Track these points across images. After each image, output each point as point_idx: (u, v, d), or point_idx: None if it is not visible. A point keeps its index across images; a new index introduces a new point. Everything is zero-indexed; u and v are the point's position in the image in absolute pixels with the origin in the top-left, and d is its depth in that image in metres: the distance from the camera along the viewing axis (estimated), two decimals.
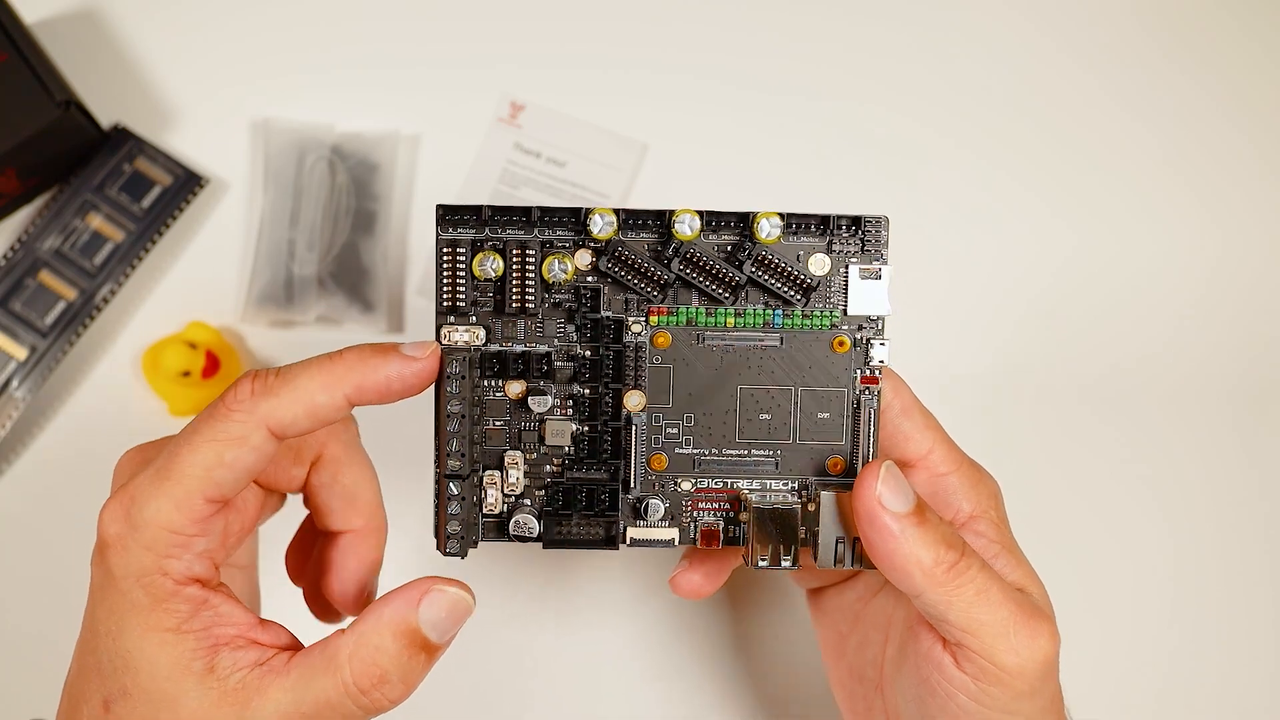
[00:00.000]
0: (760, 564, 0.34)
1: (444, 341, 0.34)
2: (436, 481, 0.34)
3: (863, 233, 0.34)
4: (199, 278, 0.54)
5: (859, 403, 0.35)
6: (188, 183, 0.54)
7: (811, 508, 0.34)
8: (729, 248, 0.34)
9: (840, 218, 0.34)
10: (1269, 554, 0.53)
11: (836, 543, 0.34)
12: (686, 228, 0.33)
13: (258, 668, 0.31)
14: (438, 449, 0.34)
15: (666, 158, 0.56)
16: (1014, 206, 0.56)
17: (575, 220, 0.34)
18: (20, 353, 0.52)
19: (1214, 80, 0.58)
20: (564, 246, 0.34)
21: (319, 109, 0.56)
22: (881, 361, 0.35)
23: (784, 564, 0.34)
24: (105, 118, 0.55)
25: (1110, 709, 0.51)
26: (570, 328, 0.35)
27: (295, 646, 0.32)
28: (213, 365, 0.50)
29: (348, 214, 0.54)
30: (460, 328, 0.34)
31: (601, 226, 0.33)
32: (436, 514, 0.34)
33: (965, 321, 0.55)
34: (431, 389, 0.33)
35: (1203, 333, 0.55)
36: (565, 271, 0.34)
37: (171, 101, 0.56)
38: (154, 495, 0.31)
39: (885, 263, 0.34)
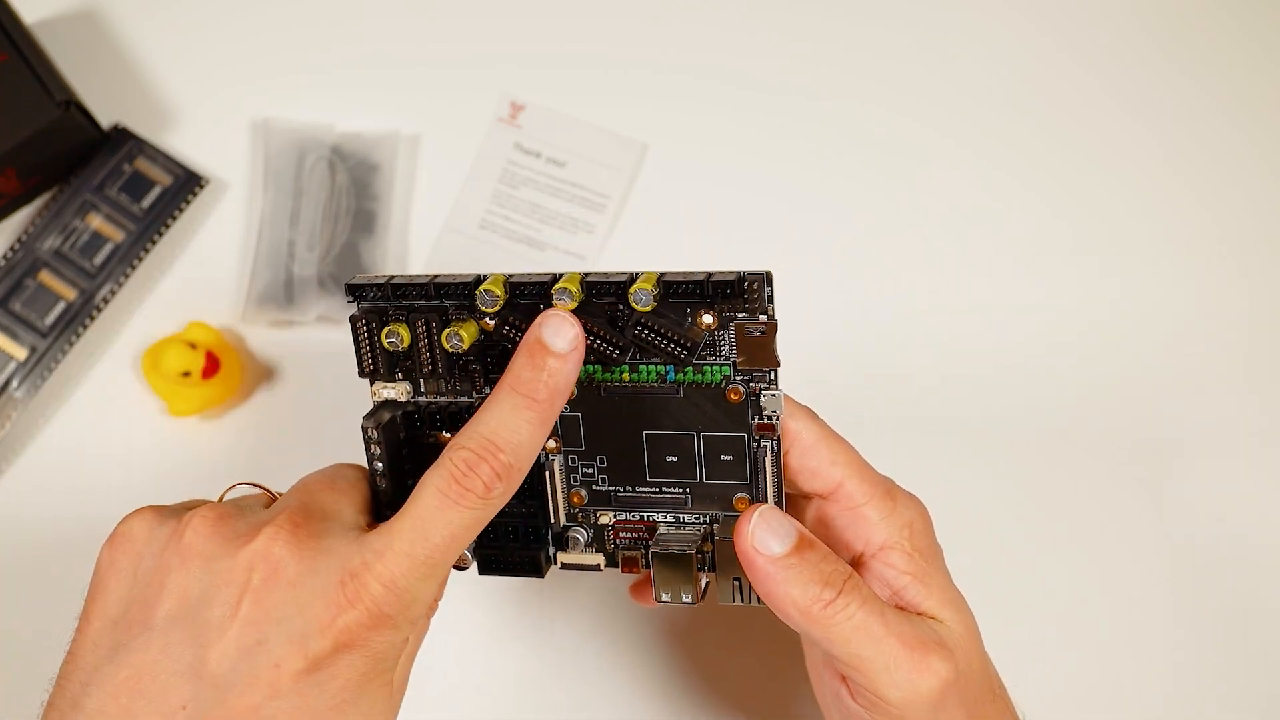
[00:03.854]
0: (663, 599, 0.36)
1: (375, 398, 0.37)
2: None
3: (745, 291, 0.34)
4: (199, 278, 0.54)
5: (758, 446, 0.35)
6: (188, 183, 0.54)
7: (708, 548, 0.36)
8: (617, 308, 0.34)
9: (717, 280, 0.34)
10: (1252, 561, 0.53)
11: (734, 582, 0.36)
12: (566, 298, 0.34)
13: None
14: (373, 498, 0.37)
15: (666, 158, 0.56)
16: (1014, 207, 0.56)
17: (469, 291, 0.35)
18: (20, 353, 0.52)
19: (1214, 80, 0.58)
20: (461, 317, 0.35)
21: (319, 109, 0.56)
22: (774, 411, 0.35)
23: (684, 600, 0.36)
24: (105, 118, 0.55)
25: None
26: (485, 385, 0.36)
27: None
28: (213, 365, 0.50)
29: (348, 214, 0.54)
30: (389, 386, 0.36)
31: (489, 302, 0.34)
32: None
33: (964, 321, 0.55)
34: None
35: (1203, 331, 0.55)
36: (462, 341, 0.35)
37: (171, 101, 0.56)
38: (419, 579, 0.31)
39: (770, 317, 0.34)
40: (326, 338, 0.53)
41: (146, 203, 0.54)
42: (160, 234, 0.54)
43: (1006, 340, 0.54)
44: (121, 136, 0.55)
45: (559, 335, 0.33)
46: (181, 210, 0.54)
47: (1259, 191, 0.56)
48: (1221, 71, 0.58)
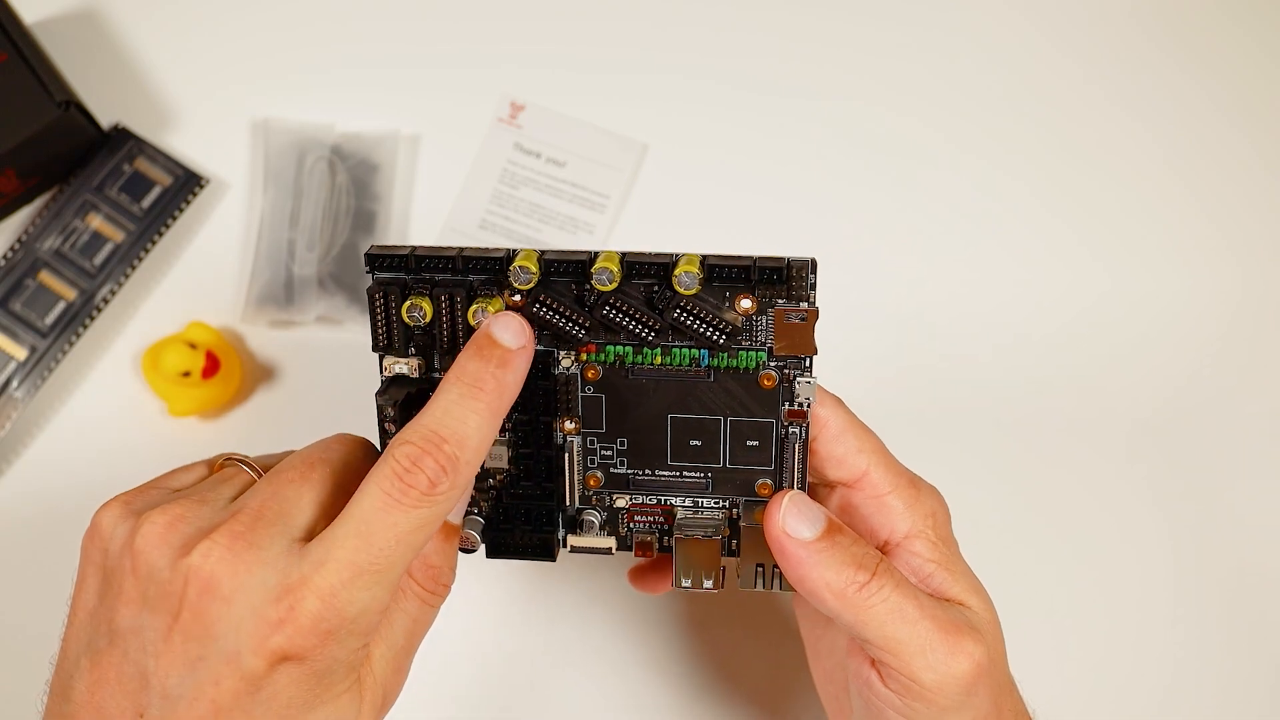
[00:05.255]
0: (684, 585, 0.36)
1: (386, 373, 0.36)
2: None
3: (790, 276, 0.33)
4: (199, 278, 0.54)
5: (786, 433, 0.35)
6: (188, 183, 0.54)
7: (725, 533, 0.36)
8: (654, 289, 0.34)
9: (763, 266, 0.33)
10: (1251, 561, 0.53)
11: (757, 568, 0.36)
12: (605, 279, 0.33)
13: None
14: None
15: (666, 158, 0.56)
16: (1015, 207, 0.56)
17: (500, 266, 0.34)
18: (20, 353, 0.52)
19: (1214, 81, 0.58)
20: (489, 293, 0.34)
21: (319, 109, 0.56)
22: (807, 399, 0.35)
23: (706, 585, 0.35)
24: (105, 118, 0.55)
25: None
26: None
27: None
28: (213, 365, 0.50)
29: (348, 214, 0.54)
30: (400, 361, 0.35)
31: (523, 279, 0.33)
32: None
33: (965, 321, 0.55)
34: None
35: (1207, 330, 0.55)
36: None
37: (171, 101, 0.56)
38: (363, 588, 0.30)
39: (812, 304, 0.34)
40: (326, 338, 0.53)
41: (146, 203, 0.54)
42: (160, 234, 0.54)
43: (1006, 339, 0.54)
44: (121, 136, 0.55)
45: (509, 331, 0.32)
46: (181, 210, 0.54)
47: (1259, 192, 0.56)
48: (1222, 73, 0.58)
